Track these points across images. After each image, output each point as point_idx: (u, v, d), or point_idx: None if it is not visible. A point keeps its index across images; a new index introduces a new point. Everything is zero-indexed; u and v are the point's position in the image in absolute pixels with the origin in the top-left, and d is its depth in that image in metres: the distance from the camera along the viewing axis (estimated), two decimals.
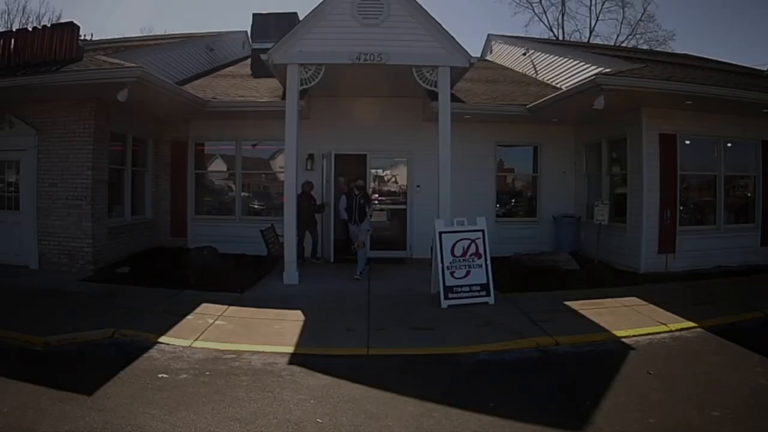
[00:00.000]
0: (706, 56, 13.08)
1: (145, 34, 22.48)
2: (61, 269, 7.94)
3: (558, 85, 10.84)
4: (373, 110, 9.91)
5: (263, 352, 4.90)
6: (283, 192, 8.47)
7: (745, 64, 12.31)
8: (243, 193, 10.58)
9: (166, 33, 23.04)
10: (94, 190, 8.01)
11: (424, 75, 7.51)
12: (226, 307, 6.35)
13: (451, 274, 6.70)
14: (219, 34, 14.25)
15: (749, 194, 9.42)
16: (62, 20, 14.88)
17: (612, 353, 4.94)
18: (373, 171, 10.48)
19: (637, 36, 26.99)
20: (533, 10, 36.73)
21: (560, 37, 26.37)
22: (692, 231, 8.79)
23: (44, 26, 8.07)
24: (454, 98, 8.53)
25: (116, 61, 7.81)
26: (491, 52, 15.84)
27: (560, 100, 8.55)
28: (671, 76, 8.18)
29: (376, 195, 10.52)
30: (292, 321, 5.85)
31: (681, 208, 8.74)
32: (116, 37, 16.06)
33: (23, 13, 31.29)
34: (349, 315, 6.11)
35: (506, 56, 14.60)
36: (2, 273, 7.64)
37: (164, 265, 8.45)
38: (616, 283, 7.61)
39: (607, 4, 36.24)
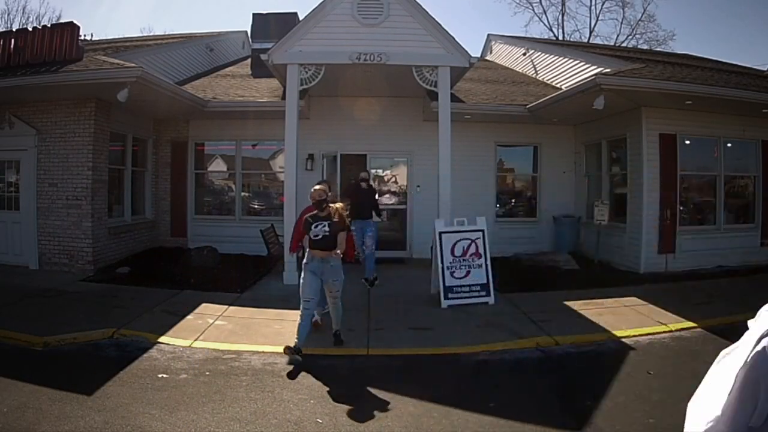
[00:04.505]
0: (706, 56, 13.08)
1: (145, 34, 22.51)
2: (61, 269, 7.94)
3: (558, 85, 10.85)
4: (373, 110, 9.92)
5: (263, 352, 4.91)
6: (283, 192, 8.46)
7: (745, 64, 12.32)
8: (243, 193, 10.58)
9: (166, 33, 23.09)
10: (94, 190, 8.01)
11: (424, 75, 7.51)
12: (226, 307, 6.35)
13: (451, 274, 6.71)
14: (219, 34, 14.25)
15: (749, 194, 9.42)
16: (62, 20, 14.91)
17: (612, 353, 4.94)
18: (373, 171, 10.46)
19: (637, 36, 27.01)
20: (533, 10, 36.80)
21: (560, 37, 26.37)
22: (692, 231, 8.79)
23: (44, 26, 8.07)
24: (454, 98, 8.53)
25: (116, 61, 7.81)
26: (491, 52, 15.84)
27: (560, 100, 8.55)
28: (671, 76, 8.19)
29: (376, 195, 10.51)
30: (292, 321, 5.81)
31: (681, 208, 8.74)
32: (116, 37, 16.10)
33: (23, 13, 31.30)
34: (348, 315, 6.08)
35: (506, 56, 14.60)
36: (2, 273, 7.64)
37: (164, 265, 8.45)
38: (616, 283, 7.61)
39: (607, 4, 36.39)
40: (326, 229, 4.75)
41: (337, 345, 5.07)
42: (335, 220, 4.82)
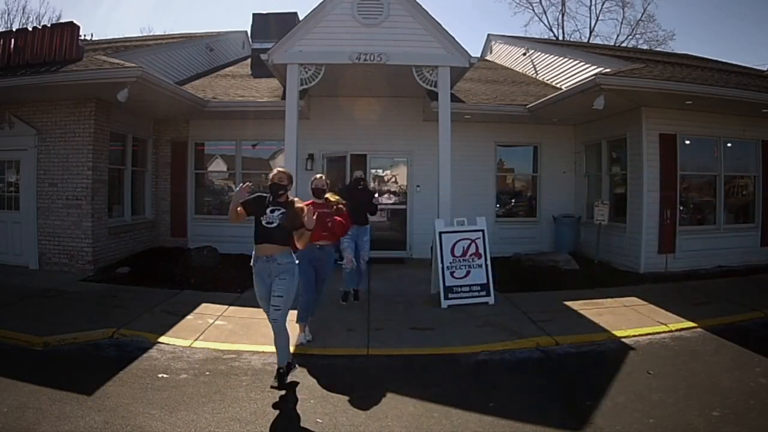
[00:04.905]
0: (706, 56, 13.08)
1: (145, 34, 22.53)
2: (61, 269, 7.94)
3: (558, 85, 10.85)
4: (373, 110, 9.92)
5: (263, 352, 4.90)
6: None
7: (745, 64, 12.32)
8: None
9: (166, 33, 23.10)
10: (94, 190, 8.01)
11: (424, 75, 7.51)
12: (226, 307, 6.35)
13: (451, 274, 6.71)
14: (219, 34, 14.26)
15: (749, 194, 9.41)
16: (62, 20, 14.90)
17: (612, 353, 4.94)
18: (373, 171, 10.48)
19: (637, 36, 27.05)
20: (533, 10, 36.94)
21: (560, 37, 26.39)
22: (692, 231, 8.79)
23: (44, 26, 8.06)
24: (454, 98, 8.53)
25: (116, 61, 7.81)
26: (491, 52, 15.84)
27: (560, 100, 8.55)
28: (671, 76, 8.18)
29: (376, 194, 10.51)
30: (292, 321, 5.84)
31: (681, 208, 8.74)
32: (116, 37, 16.10)
33: (23, 13, 31.40)
34: (348, 315, 6.11)
35: (506, 56, 14.60)
36: (2, 273, 7.64)
37: (164, 265, 8.44)
38: (616, 283, 7.61)
39: (607, 4, 36.49)
40: (282, 216, 3.93)
41: (281, 385, 3.88)
42: (294, 211, 3.96)
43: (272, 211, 3.93)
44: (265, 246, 3.93)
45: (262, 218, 3.91)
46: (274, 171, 4.15)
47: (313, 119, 9.98)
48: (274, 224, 3.89)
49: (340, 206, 5.19)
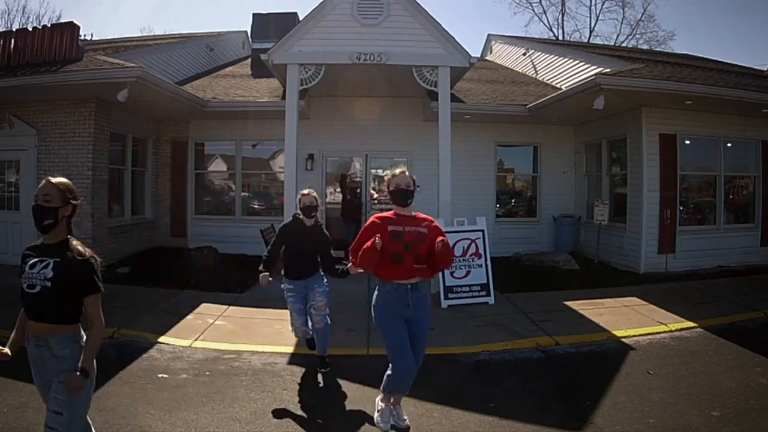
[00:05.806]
0: (706, 56, 13.09)
1: (145, 34, 22.51)
2: None
3: (558, 85, 10.84)
4: (373, 110, 9.92)
5: (263, 352, 4.91)
6: (283, 192, 8.46)
7: (745, 64, 12.32)
8: (243, 193, 10.58)
9: (166, 33, 23.11)
10: (94, 190, 8.01)
11: (424, 75, 7.51)
12: (226, 307, 6.35)
13: (451, 274, 6.71)
14: (219, 34, 14.26)
15: (749, 194, 9.41)
16: (62, 20, 14.90)
17: (612, 353, 4.94)
18: (373, 171, 10.48)
19: (637, 36, 27.06)
20: (533, 10, 36.99)
21: (560, 37, 26.39)
22: (692, 231, 8.79)
23: (44, 26, 8.07)
24: (454, 98, 8.53)
25: (116, 61, 7.81)
26: (491, 52, 15.84)
27: (560, 100, 8.55)
28: (671, 76, 8.18)
29: (376, 194, 10.51)
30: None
31: (681, 208, 8.74)
32: (116, 37, 16.10)
33: (23, 13, 31.40)
34: (348, 315, 6.09)
35: (506, 56, 14.60)
36: (2, 273, 7.63)
37: (164, 265, 8.44)
38: (616, 283, 7.61)
39: (607, 4, 36.52)
40: (48, 273, 2.39)
41: None
42: (75, 259, 2.38)
43: (32, 266, 2.41)
44: (31, 323, 2.45)
45: (22, 278, 2.44)
46: (42, 182, 2.44)
47: (313, 119, 9.98)
48: (36, 289, 2.39)
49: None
